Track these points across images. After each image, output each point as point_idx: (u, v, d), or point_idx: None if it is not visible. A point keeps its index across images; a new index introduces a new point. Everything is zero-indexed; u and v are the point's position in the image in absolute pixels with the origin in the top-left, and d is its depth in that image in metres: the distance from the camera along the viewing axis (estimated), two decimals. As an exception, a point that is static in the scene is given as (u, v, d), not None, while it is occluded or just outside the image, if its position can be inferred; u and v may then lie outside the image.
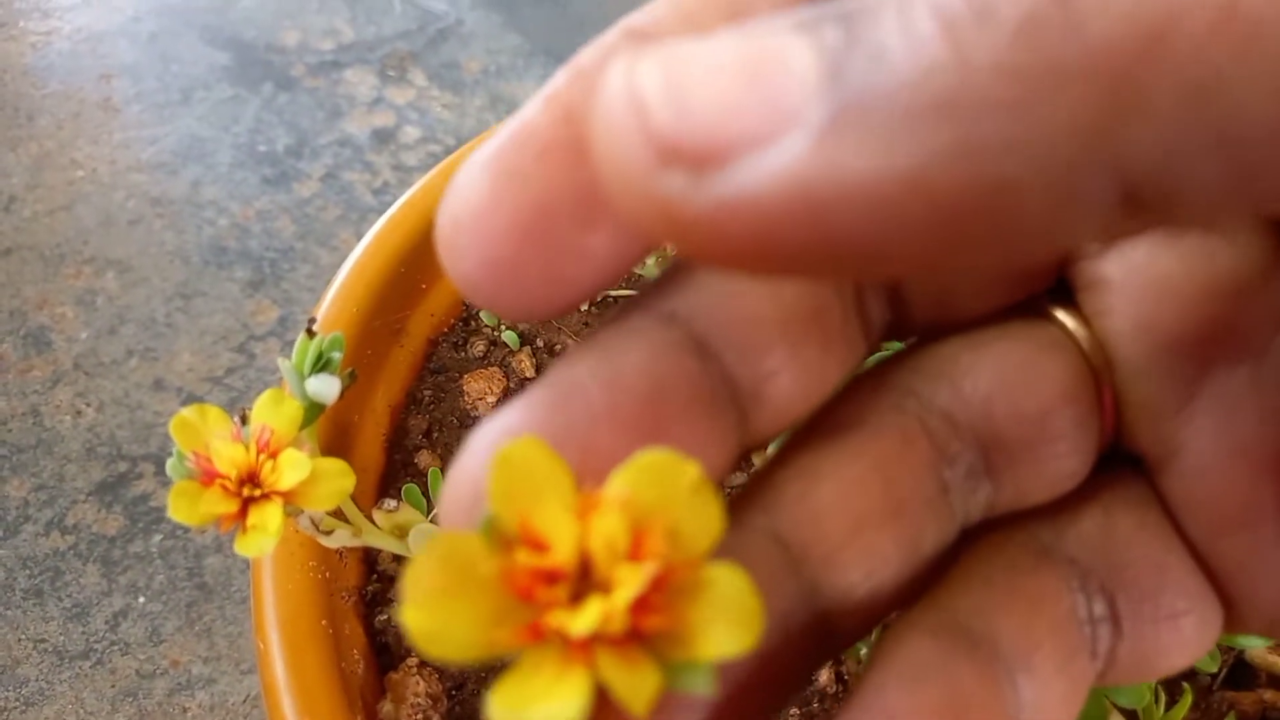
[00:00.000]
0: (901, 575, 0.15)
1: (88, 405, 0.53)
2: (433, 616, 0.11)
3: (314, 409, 0.26)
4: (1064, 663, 0.14)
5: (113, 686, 0.44)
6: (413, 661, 0.31)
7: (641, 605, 0.11)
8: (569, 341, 0.41)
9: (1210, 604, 0.15)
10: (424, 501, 0.33)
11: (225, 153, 0.67)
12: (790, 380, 0.14)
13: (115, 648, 0.45)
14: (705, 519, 0.11)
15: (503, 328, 0.41)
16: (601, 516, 0.11)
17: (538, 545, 0.11)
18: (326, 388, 0.25)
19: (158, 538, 0.49)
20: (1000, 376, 0.15)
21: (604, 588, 0.11)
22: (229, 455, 0.23)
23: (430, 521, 0.30)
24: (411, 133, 0.70)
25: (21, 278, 0.58)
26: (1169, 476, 0.15)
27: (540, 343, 0.41)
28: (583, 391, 0.13)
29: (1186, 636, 0.15)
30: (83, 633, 0.46)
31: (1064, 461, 0.15)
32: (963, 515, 0.15)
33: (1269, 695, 0.35)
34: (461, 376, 0.40)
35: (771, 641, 0.13)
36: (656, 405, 0.13)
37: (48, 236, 0.60)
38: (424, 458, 0.37)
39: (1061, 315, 0.16)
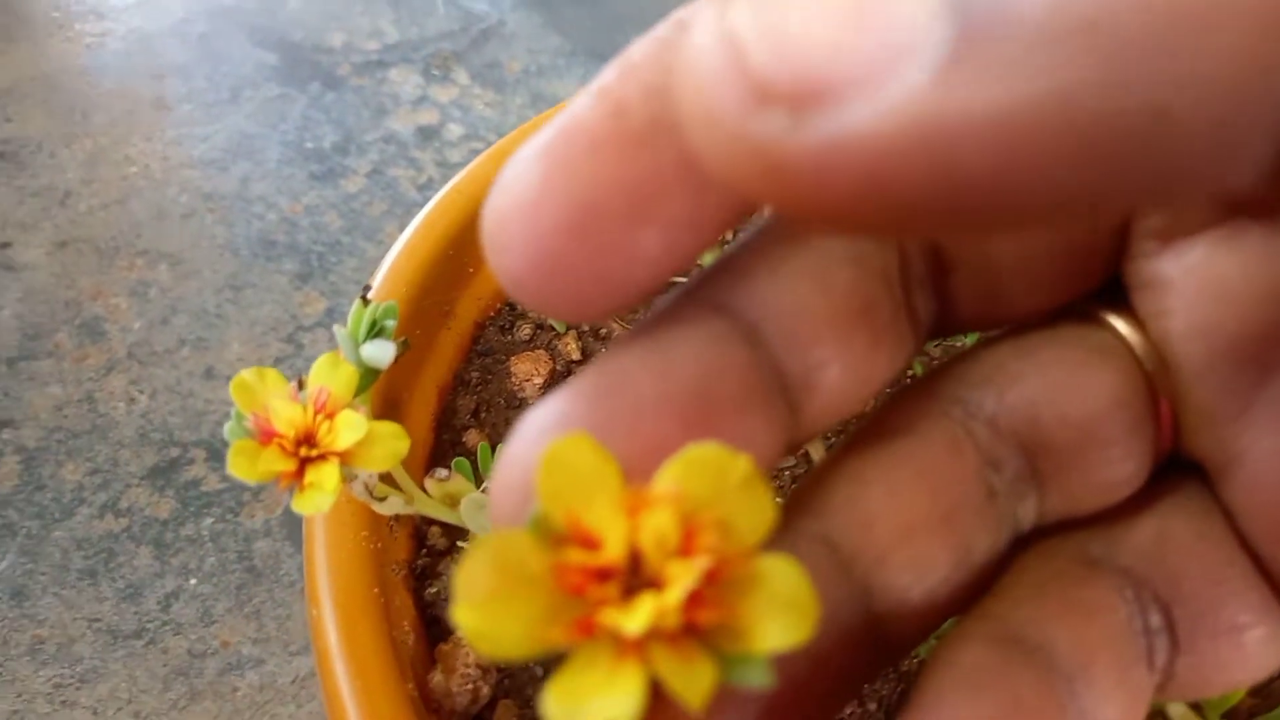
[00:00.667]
0: (953, 581, 0.14)
1: (141, 393, 0.54)
2: (485, 616, 0.11)
3: (369, 374, 0.26)
4: (1122, 674, 0.14)
5: (165, 665, 0.45)
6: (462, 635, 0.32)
7: (694, 600, 0.11)
8: (615, 326, 0.42)
9: (1277, 619, 0.15)
10: (473, 475, 0.33)
11: (274, 149, 0.68)
12: (840, 372, 0.14)
13: (167, 628, 0.46)
14: (756, 512, 0.11)
15: (549, 310, 0.42)
16: (652, 512, 0.11)
17: (588, 542, 0.11)
18: (381, 352, 0.25)
19: (209, 521, 0.49)
20: (1047, 383, 0.15)
21: (656, 584, 0.11)
22: (287, 415, 0.23)
23: (481, 492, 0.30)
24: (455, 130, 0.71)
25: (77, 269, 0.59)
26: (1230, 485, 0.14)
27: (586, 327, 0.42)
28: (632, 381, 0.12)
29: (1249, 652, 0.15)
30: (136, 613, 0.46)
31: (1115, 469, 0.15)
32: (1012, 523, 0.15)
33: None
34: (508, 358, 0.40)
35: (825, 644, 0.13)
36: (706, 395, 0.12)
37: (102, 230, 0.61)
38: (472, 436, 0.38)
39: (1113, 319, 0.15)
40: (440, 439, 0.38)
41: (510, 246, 0.12)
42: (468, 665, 0.31)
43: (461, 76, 0.75)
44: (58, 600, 0.47)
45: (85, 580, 0.47)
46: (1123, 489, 0.15)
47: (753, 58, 0.09)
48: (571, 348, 0.40)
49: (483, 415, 0.39)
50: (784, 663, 0.12)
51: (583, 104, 0.12)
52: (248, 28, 0.77)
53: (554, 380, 0.40)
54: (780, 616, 0.11)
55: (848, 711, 0.32)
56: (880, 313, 0.14)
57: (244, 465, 0.23)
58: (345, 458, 0.24)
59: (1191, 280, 0.14)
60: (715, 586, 0.11)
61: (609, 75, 0.12)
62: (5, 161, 0.64)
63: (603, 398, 0.12)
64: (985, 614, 0.14)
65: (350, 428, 0.24)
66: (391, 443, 0.25)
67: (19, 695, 0.43)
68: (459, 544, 0.34)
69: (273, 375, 0.25)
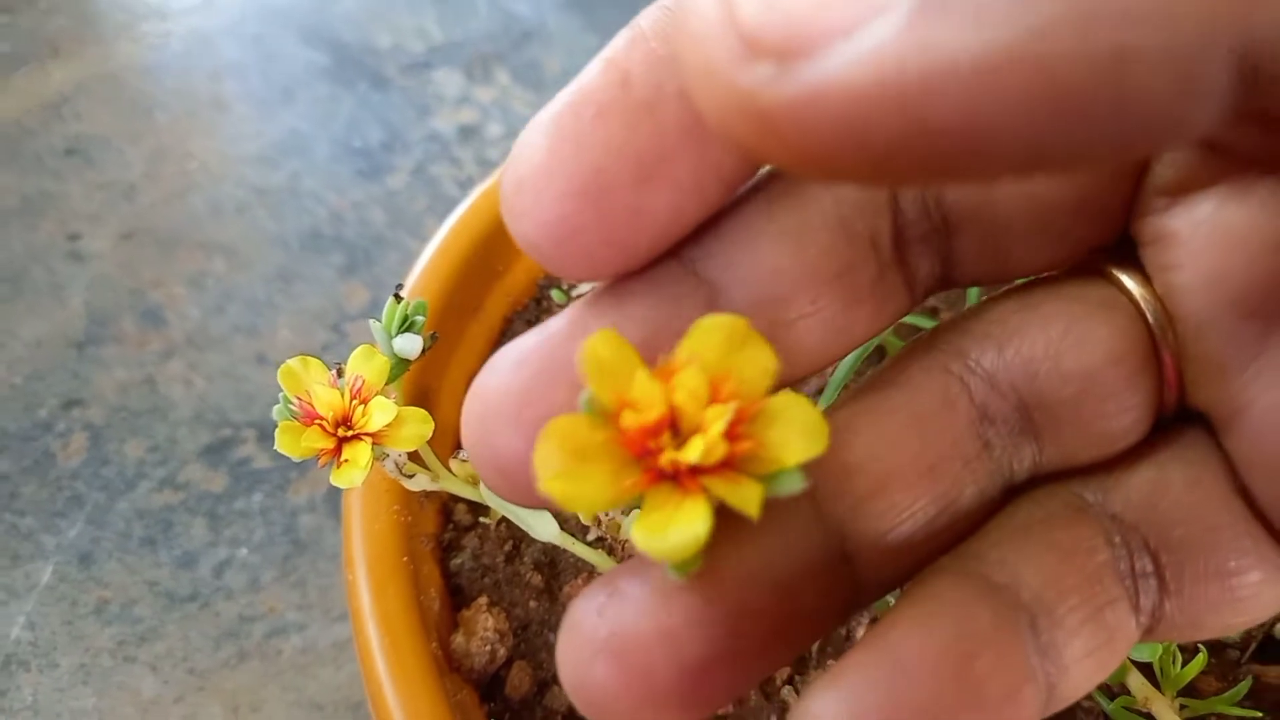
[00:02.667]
0: (936, 527, 0.15)
1: (197, 376, 0.58)
2: (567, 484, 0.13)
3: (400, 364, 0.29)
4: (1094, 612, 0.14)
5: (216, 628, 0.49)
6: (483, 601, 0.35)
7: (731, 435, 0.13)
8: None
9: (1273, 566, 0.15)
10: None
11: (323, 147, 0.71)
12: (807, 331, 0.14)
13: (219, 593, 0.50)
14: (761, 362, 0.14)
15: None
16: (682, 375, 0.14)
17: (636, 409, 0.14)
18: (410, 345, 0.28)
19: (258, 497, 0.53)
20: (1046, 338, 0.15)
21: (696, 430, 0.13)
22: (327, 399, 0.27)
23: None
24: (495, 129, 0.74)
25: (140, 260, 0.63)
26: (1234, 435, 0.15)
27: (606, 321, 0.44)
28: (587, 330, 0.14)
29: (1241, 595, 0.15)
30: (190, 579, 0.50)
31: (1111, 421, 0.15)
32: (1007, 472, 0.15)
33: (1300, 671, 0.36)
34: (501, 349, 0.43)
35: (795, 581, 0.14)
36: (652, 348, 0.13)
37: (164, 223, 0.65)
38: (497, 423, 0.41)
39: (1121, 274, 0.15)
40: (469, 424, 0.41)
41: (525, 212, 0.13)
42: (487, 629, 0.34)
43: (502, 77, 0.78)
44: (121, 565, 0.51)
45: (145, 548, 0.51)
46: (1119, 441, 0.15)
47: (743, 13, 0.10)
48: (592, 341, 0.43)
49: (508, 403, 0.42)
50: (754, 595, 0.14)
51: (590, 74, 0.13)
52: (300, 28, 0.81)
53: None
54: (799, 437, 0.14)
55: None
56: (861, 274, 0.14)
57: (289, 442, 0.27)
58: (377, 438, 0.27)
59: (1200, 233, 0.14)
60: (743, 423, 0.14)
61: (616, 45, 0.13)
62: (76, 157, 0.69)
63: (562, 340, 0.14)
64: (963, 551, 0.15)
65: (382, 411, 0.27)
66: (418, 426, 0.28)
67: (86, 650, 0.47)
68: (481, 519, 0.37)
69: (315, 364, 0.28)
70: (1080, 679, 0.14)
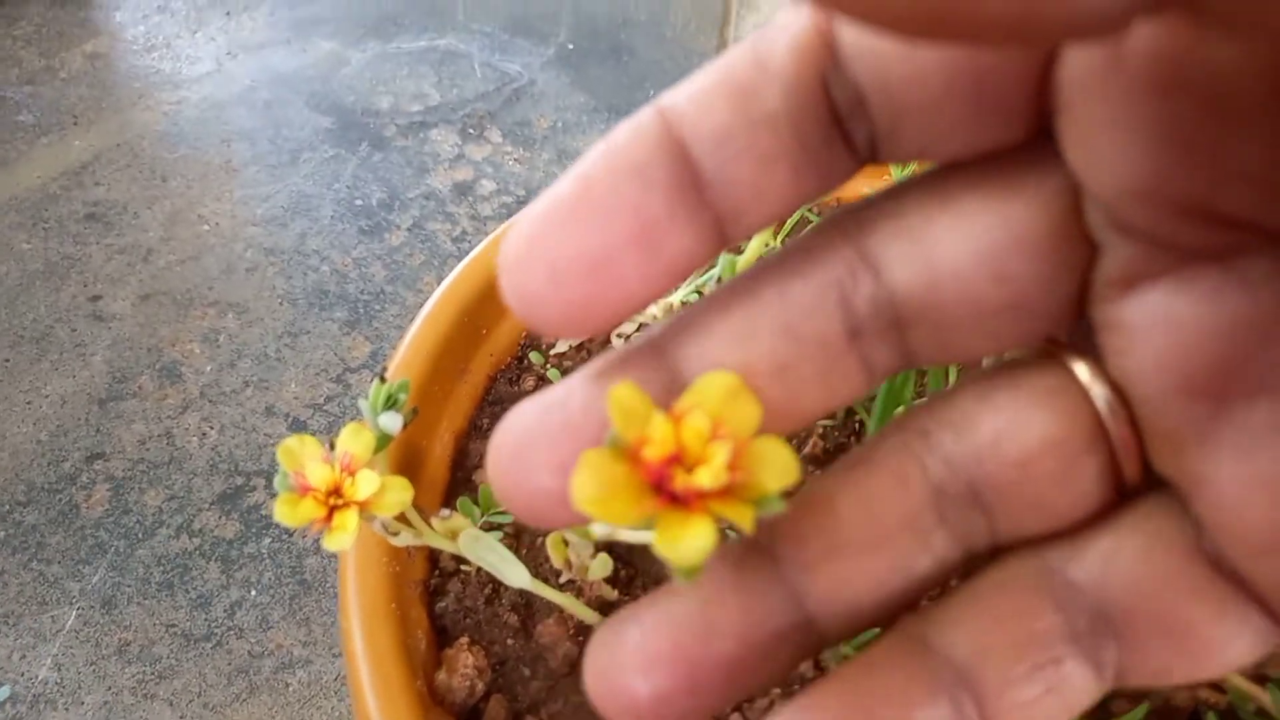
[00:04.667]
0: (890, 591, 0.17)
1: (211, 428, 0.62)
2: (600, 505, 0.17)
3: (384, 438, 0.33)
4: (1029, 670, 0.16)
5: (229, 664, 0.53)
6: (464, 640, 0.39)
7: (728, 468, 0.17)
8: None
9: (1237, 618, 0.16)
10: (475, 511, 0.41)
11: (328, 207, 0.76)
12: (755, 192, 0.15)
13: (231, 632, 0.54)
14: (749, 412, 0.17)
15: (548, 367, 0.49)
16: (690, 418, 0.17)
17: (653, 444, 0.17)
18: (392, 422, 0.32)
19: (267, 541, 0.57)
20: (992, 426, 0.17)
21: (699, 463, 0.17)
22: (319, 474, 0.31)
23: (481, 528, 0.37)
24: (487, 185, 0.78)
25: (157, 319, 0.68)
26: (1198, 503, 0.16)
27: (581, 379, 0.49)
28: (598, 387, 0.16)
29: (1203, 646, 0.16)
30: (205, 619, 0.54)
31: (1054, 499, 0.17)
32: (965, 544, 0.17)
33: (1204, 693, 0.39)
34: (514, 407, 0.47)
35: (755, 632, 0.16)
36: (639, 209, 0.15)
37: (179, 283, 0.70)
38: (481, 476, 0.45)
39: (1072, 360, 0.17)
40: (455, 478, 0.45)
41: (508, 287, 0.15)
42: (467, 666, 0.38)
43: (494, 135, 0.83)
44: (140, 609, 0.55)
45: (164, 591, 0.55)
46: (1066, 515, 0.17)
47: None
48: (568, 399, 0.47)
49: (491, 457, 0.46)
50: (717, 641, 0.16)
51: (562, 183, 0.15)
52: (306, 94, 0.85)
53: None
54: (777, 471, 0.17)
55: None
56: (803, 369, 0.16)
57: (288, 513, 0.31)
58: (364, 506, 0.31)
59: (1148, 321, 0.15)
60: (737, 459, 0.17)
61: (588, 158, 0.15)
62: (96, 222, 0.74)
63: (578, 394, 0.16)
64: (921, 615, 0.17)
65: (367, 483, 0.31)
66: (399, 493, 0.32)
67: (109, 689, 0.51)
68: (463, 566, 0.41)
69: (311, 441, 0.32)
70: None
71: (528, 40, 0.91)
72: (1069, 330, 0.16)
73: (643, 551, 0.43)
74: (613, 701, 0.16)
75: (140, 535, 0.58)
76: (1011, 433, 0.16)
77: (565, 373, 0.49)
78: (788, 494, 0.17)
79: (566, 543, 0.38)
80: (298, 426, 0.62)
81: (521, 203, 0.77)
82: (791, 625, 0.16)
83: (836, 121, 0.15)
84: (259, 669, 0.53)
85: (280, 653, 0.53)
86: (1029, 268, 0.15)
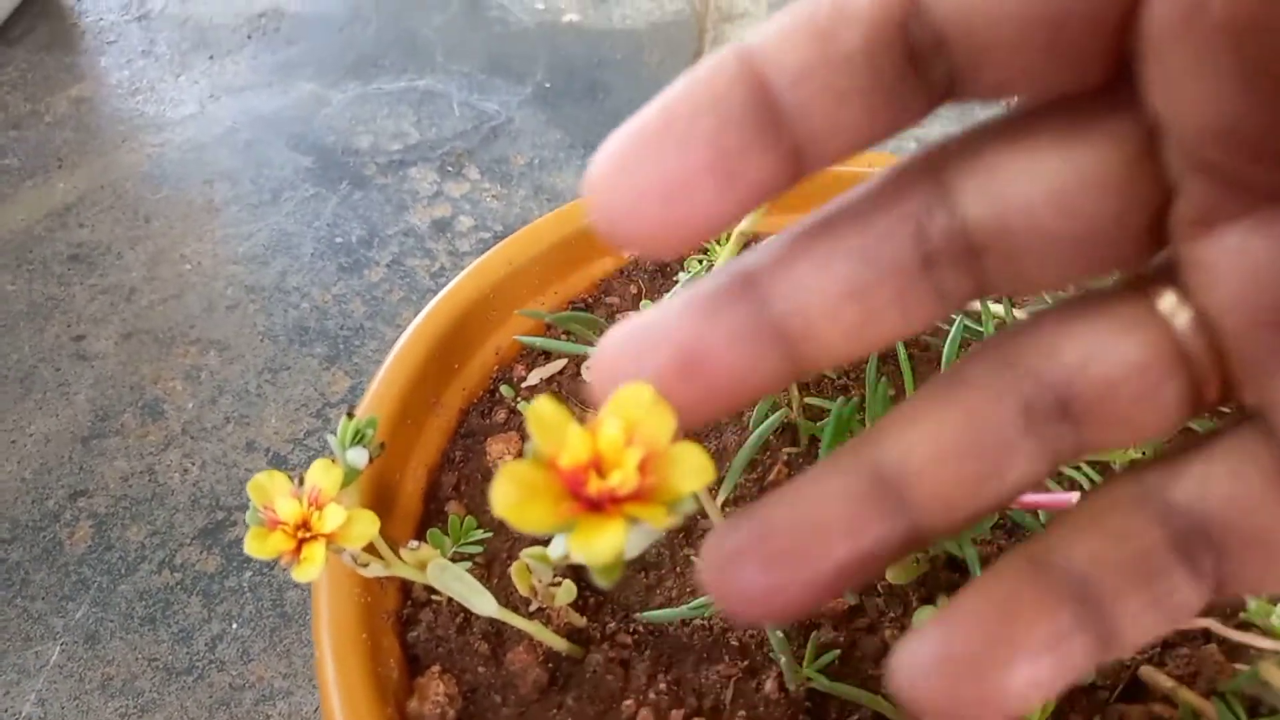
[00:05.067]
0: (982, 497, 0.18)
1: (193, 464, 0.63)
2: (521, 512, 0.19)
3: (352, 473, 0.34)
4: (1142, 583, 0.18)
5: (210, 697, 0.53)
6: (435, 669, 0.40)
7: (641, 471, 0.18)
8: (575, 410, 0.50)
9: None
10: (445, 541, 0.42)
11: (308, 245, 0.78)
12: (829, 334, 0.18)
13: (213, 665, 0.55)
14: (664, 421, 0.19)
15: (519, 400, 0.50)
16: (604, 427, 0.19)
17: (569, 454, 0.19)
18: (359, 458, 0.34)
19: (248, 574, 0.58)
20: (1079, 351, 0.18)
21: (615, 469, 0.19)
22: (288, 508, 0.32)
23: (448, 559, 0.38)
24: (465, 222, 0.80)
25: (140, 357, 0.69)
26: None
27: (551, 411, 0.50)
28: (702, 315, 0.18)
29: None
30: (187, 653, 0.55)
31: (1137, 415, 0.18)
32: (1052, 455, 0.19)
33: (1157, 708, 0.41)
34: (486, 439, 0.49)
35: (864, 539, 0.18)
36: (718, 141, 0.16)
37: (161, 321, 0.71)
38: (453, 507, 0.46)
39: (1158, 291, 0.17)
40: (428, 509, 0.47)
41: (595, 209, 0.17)
42: (438, 694, 0.39)
43: (472, 172, 0.84)
44: (123, 644, 0.56)
45: (146, 626, 0.56)
46: (1150, 429, 0.18)
47: None
48: (538, 430, 0.49)
49: (463, 489, 0.47)
50: (829, 543, 0.18)
51: (647, 111, 0.16)
52: (287, 134, 0.87)
53: (522, 457, 0.48)
54: (690, 474, 0.19)
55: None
56: (878, 294, 0.17)
57: (257, 545, 0.32)
58: (331, 538, 0.32)
59: (1228, 260, 0.16)
60: (651, 464, 0.19)
61: (671, 90, 0.16)
62: (80, 263, 0.75)
63: (677, 316, 0.18)
64: (1035, 536, 0.18)
65: (334, 516, 0.32)
66: (365, 526, 0.33)
67: (92, 722, 0.52)
68: (434, 596, 0.42)
69: (280, 478, 0.33)
70: (1136, 633, 0.18)
71: (505, 80, 0.93)
72: (1145, 264, 0.18)
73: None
74: (731, 592, 0.18)
75: (123, 571, 0.59)
76: (1098, 356, 0.18)
77: (535, 405, 0.50)
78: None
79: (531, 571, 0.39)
80: (278, 461, 0.64)
81: (499, 237, 0.79)
82: (895, 530, 0.18)
83: (913, 62, 0.15)
84: (240, 701, 0.53)
85: (261, 685, 0.54)
86: (1098, 205, 0.16)
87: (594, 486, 0.19)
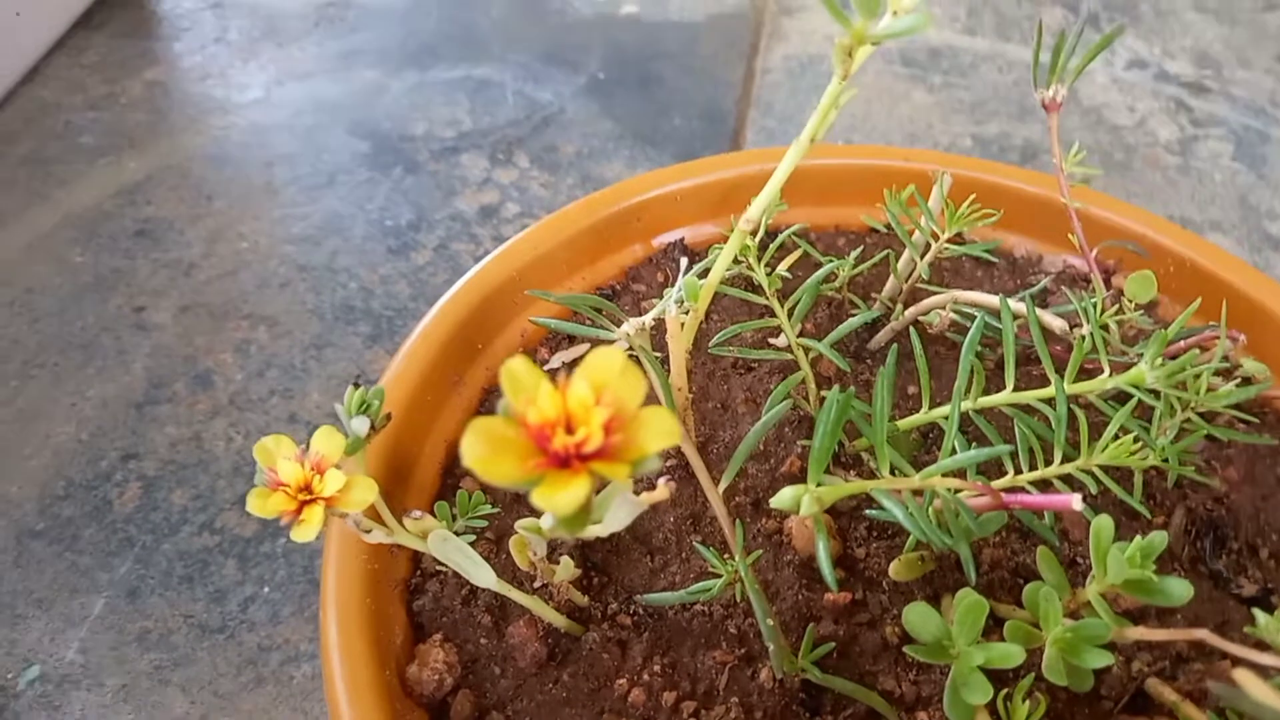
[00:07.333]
0: None
1: (237, 434, 0.66)
2: (489, 464, 0.20)
3: (356, 441, 0.36)
4: None
5: (239, 655, 0.56)
6: (438, 638, 0.41)
7: (608, 430, 0.20)
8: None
9: None
10: (450, 514, 0.43)
11: (359, 227, 0.80)
12: None
13: (244, 626, 0.57)
14: (634, 386, 0.20)
15: (539, 381, 0.51)
16: (573, 388, 0.20)
17: (539, 410, 0.20)
18: (361, 426, 0.35)
19: (282, 541, 0.61)
20: None
21: (585, 426, 0.20)
22: (289, 471, 0.33)
23: (455, 532, 0.39)
24: (512, 208, 0.81)
25: (194, 330, 0.72)
26: None
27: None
28: None
29: None
30: (220, 613, 0.58)
31: None
32: None
33: None
34: (504, 420, 0.50)
35: None
36: None
37: (217, 297, 0.74)
38: (468, 483, 0.47)
39: None
40: (445, 482, 0.48)
41: None
42: (437, 661, 0.40)
43: (522, 160, 0.86)
44: (162, 600, 0.58)
45: (184, 585, 0.59)
46: None
47: None
48: (556, 412, 0.50)
49: (479, 466, 0.48)
50: None
51: None
52: (347, 120, 0.90)
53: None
54: (656, 435, 0.20)
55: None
56: None
57: (259, 504, 0.33)
58: (330, 502, 0.34)
59: None
60: (617, 423, 0.20)
61: None
62: (145, 238, 0.78)
63: None
64: None
65: (333, 481, 0.33)
66: (363, 492, 0.34)
67: (128, 673, 0.55)
68: (440, 568, 0.43)
69: (285, 441, 0.35)
70: None
71: (560, 70, 0.95)
72: None
73: (616, 560, 0.45)
74: None
75: (166, 531, 0.61)
76: None
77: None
78: None
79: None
80: (317, 434, 0.66)
81: (543, 225, 0.80)
82: None
83: None
84: (267, 661, 0.55)
85: (288, 647, 0.56)
86: None
87: (559, 442, 0.20)
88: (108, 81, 0.93)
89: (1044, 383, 0.42)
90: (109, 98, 0.92)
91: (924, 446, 0.48)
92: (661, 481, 0.33)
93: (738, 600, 0.42)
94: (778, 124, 0.89)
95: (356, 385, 0.36)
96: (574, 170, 0.84)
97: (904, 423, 0.44)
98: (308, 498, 0.34)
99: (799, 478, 0.47)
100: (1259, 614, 0.36)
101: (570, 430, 0.21)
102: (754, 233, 0.45)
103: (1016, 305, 0.45)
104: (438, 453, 0.48)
